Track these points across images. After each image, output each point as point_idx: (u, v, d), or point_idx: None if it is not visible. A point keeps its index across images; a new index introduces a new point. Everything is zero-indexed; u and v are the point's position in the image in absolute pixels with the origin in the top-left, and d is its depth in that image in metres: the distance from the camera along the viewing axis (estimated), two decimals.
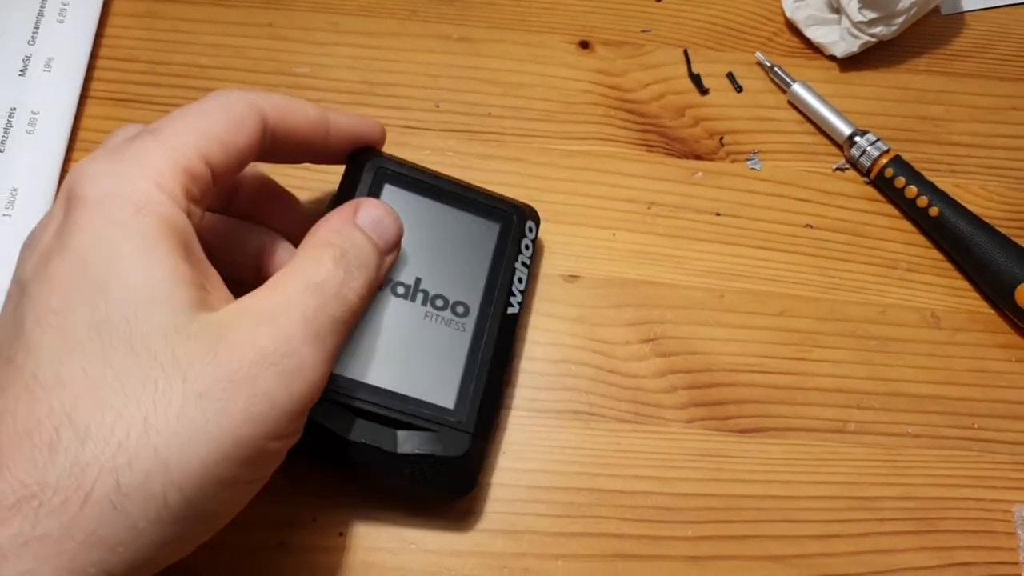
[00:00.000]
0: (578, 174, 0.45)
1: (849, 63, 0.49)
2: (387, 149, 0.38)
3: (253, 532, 0.36)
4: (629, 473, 0.39)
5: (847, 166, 0.46)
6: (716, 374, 0.41)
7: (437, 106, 0.46)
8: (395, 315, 0.36)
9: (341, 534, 0.36)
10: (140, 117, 0.45)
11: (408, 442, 0.34)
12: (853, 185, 0.46)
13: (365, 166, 0.37)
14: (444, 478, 0.35)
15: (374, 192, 0.37)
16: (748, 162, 0.46)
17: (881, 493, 0.39)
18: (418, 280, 0.37)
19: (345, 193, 0.37)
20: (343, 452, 0.34)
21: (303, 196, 0.41)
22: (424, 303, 0.36)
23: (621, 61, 0.48)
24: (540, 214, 0.41)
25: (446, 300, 0.37)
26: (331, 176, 0.41)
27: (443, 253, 0.38)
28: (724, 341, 0.42)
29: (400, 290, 0.36)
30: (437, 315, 0.36)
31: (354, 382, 0.34)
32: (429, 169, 0.39)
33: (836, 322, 0.43)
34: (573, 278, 0.43)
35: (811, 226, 0.45)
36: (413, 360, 0.35)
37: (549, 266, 0.43)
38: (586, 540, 0.37)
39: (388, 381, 0.35)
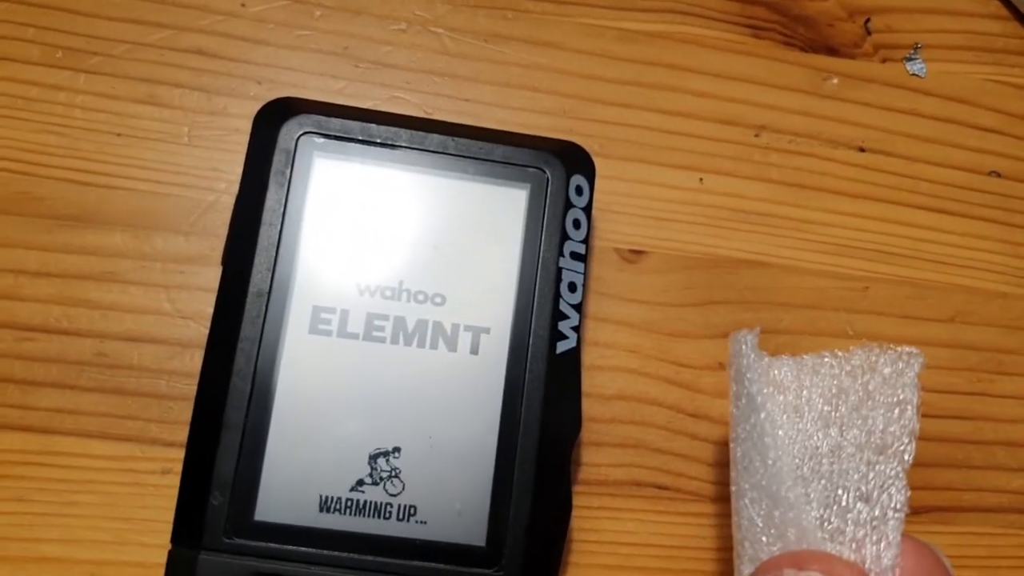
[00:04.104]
0: (643, 73, 0.28)
1: None
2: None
3: None
4: None
5: None
6: None
7: None
8: (368, 378, 0.21)
9: None
10: None
11: None
12: None
13: (280, 130, 0.22)
14: None
15: (300, 173, 0.22)
16: (907, 63, 0.29)
17: None
18: (399, 318, 0.22)
19: (253, 175, 0.22)
20: None
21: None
22: (412, 342, 0.22)
23: None
24: (585, 145, 0.24)
25: (451, 332, 0.22)
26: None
27: (437, 258, 0.22)
28: None
29: (379, 333, 0.22)
30: (439, 361, 0.22)
31: (308, 532, 0.20)
32: (388, 113, 0.24)
33: None
34: (636, 255, 0.26)
35: (998, 174, 0.29)
36: (406, 464, 0.21)
37: (597, 233, 0.26)
38: None
39: (361, 519, 0.21)
